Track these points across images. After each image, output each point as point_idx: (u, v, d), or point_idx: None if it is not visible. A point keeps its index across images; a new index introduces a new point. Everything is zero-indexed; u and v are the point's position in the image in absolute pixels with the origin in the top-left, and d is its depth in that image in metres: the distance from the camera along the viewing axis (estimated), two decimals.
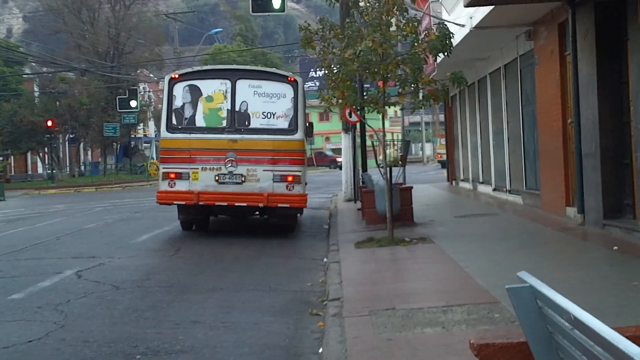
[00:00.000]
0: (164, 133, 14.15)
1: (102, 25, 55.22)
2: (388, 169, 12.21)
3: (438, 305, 6.86)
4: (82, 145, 57.76)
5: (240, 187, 13.63)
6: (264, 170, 13.66)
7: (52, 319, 7.31)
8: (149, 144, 67.93)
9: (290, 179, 13.68)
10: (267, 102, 13.99)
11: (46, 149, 49.51)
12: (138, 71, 58.31)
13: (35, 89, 54.08)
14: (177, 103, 14.09)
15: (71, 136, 52.55)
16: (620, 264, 8.81)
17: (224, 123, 13.95)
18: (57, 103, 48.89)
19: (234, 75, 14.28)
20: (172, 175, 13.74)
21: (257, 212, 14.95)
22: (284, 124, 13.94)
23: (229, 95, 13.99)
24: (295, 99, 13.95)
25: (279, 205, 13.65)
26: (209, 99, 14.07)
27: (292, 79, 14.35)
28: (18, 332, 6.83)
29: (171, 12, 62.11)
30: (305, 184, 14.48)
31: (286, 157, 13.82)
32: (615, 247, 9.64)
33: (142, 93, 57.22)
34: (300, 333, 6.72)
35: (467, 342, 3.78)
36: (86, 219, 18.95)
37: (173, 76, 14.42)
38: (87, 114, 48.86)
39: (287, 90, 14.01)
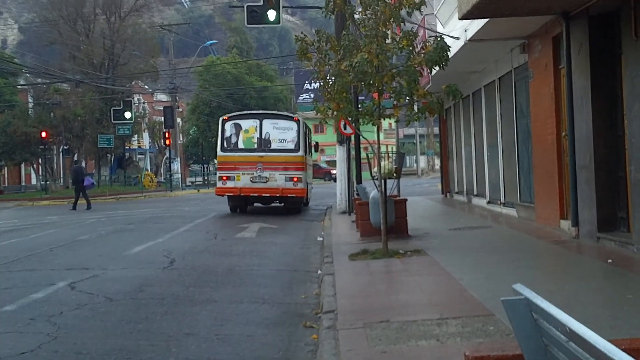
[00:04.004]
0: (220, 152, 22.61)
1: (97, 37, 55.16)
2: (382, 181, 12.20)
3: (432, 317, 6.84)
4: (76, 156, 57.48)
5: (265, 184, 21.74)
6: (279, 174, 21.70)
7: (45, 331, 7.26)
8: (143, 156, 67.83)
9: (295, 179, 21.76)
10: (281, 132, 22.19)
11: (40, 160, 49.29)
12: (133, 83, 58.23)
13: (30, 100, 53.87)
14: (227, 134, 22.45)
15: (65, 147, 52.37)
16: (614, 276, 8.81)
17: (255, 146, 22.16)
18: (52, 114, 48.76)
19: (261, 117, 23.04)
20: (225, 178, 22.05)
21: (277, 201, 22.80)
22: (291, 146, 22.05)
23: (258, 129, 22.24)
24: (298, 130, 22.18)
25: (289, 195, 21.86)
26: (246, 131, 22.38)
27: (297, 119, 22.99)
28: (10, 344, 6.78)
29: (166, 24, 62.06)
30: (308, 183, 22.75)
31: (292, 166, 21.88)
32: (610, 260, 9.65)
33: (136, 104, 57.13)
34: (294, 345, 6.68)
35: (461, 354, 3.77)
36: (80, 231, 18.89)
37: (224, 118, 23.00)
38: (81, 125, 48.72)
39: (293, 125, 22.39)
